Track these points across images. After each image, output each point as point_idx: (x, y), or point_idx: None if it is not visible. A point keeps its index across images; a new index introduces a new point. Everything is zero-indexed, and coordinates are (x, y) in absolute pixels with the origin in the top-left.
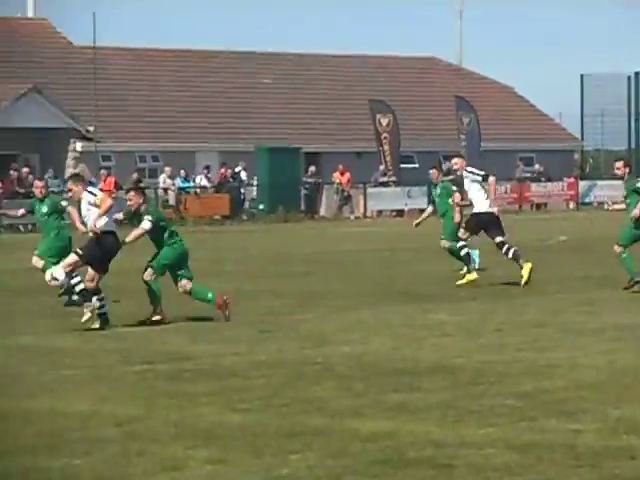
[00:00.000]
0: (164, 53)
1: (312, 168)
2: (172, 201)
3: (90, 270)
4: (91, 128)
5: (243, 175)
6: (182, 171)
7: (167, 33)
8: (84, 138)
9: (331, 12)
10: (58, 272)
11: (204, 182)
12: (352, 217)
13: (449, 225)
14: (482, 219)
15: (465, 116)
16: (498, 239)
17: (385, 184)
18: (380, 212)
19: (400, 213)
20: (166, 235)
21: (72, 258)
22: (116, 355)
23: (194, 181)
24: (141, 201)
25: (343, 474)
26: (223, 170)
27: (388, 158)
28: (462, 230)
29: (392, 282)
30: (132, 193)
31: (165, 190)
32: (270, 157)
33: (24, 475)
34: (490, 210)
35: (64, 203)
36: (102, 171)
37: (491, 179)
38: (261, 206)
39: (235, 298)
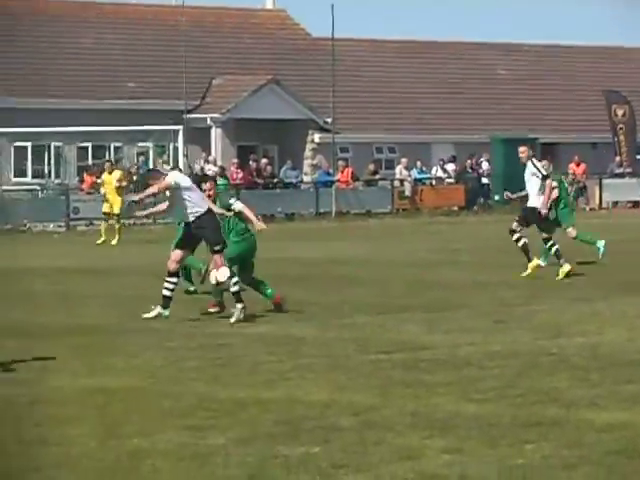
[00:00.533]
0: (402, 44)
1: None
2: (408, 192)
3: (179, 252)
4: (329, 119)
5: (485, 165)
6: (418, 162)
7: (405, 24)
8: (322, 129)
9: (570, 3)
10: (223, 273)
11: (440, 173)
12: (587, 208)
13: None
14: (529, 213)
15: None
16: (544, 235)
17: (620, 175)
18: (615, 203)
19: (636, 204)
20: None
21: (219, 255)
22: (353, 344)
23: (430, 172)
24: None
25: (578, 464)
26: (469, 161)
27: (624, 149)
28: (515, 222)
29: (627, 273)
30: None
31: (401, 181)
32: (505, 148)
33: (262, 461)
34: (535, 206)
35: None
36: (340, 162)
37: (547, 182)
38: (496, 197)
39: (470, 288)
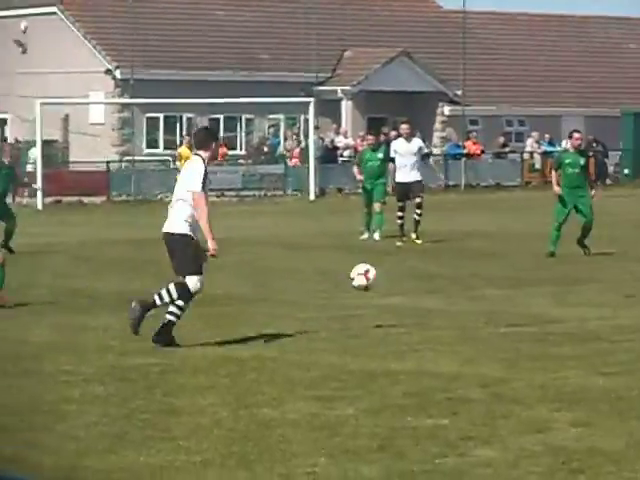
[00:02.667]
0: (532, 18)
1: None
2: (538, 165)
3: None
4: (459, 92)
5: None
6: (547, 135)
7: None
8: (452, 102)
9: None
10: None
11: (569, 146)
12: None
13: None
14: None
15: None
16: None
17: None
18: None
19: None
20: None
21: None
22: (482, 317)
23: (560, 145)
24: None
25: None
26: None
27: None
28: None
29: None
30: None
31: (531, 154)
32: (635, 122)
33: (391, 432)
34: None
35: None
36: (471, 134)
37: None
38: (626, 171)
39: (600, 262)
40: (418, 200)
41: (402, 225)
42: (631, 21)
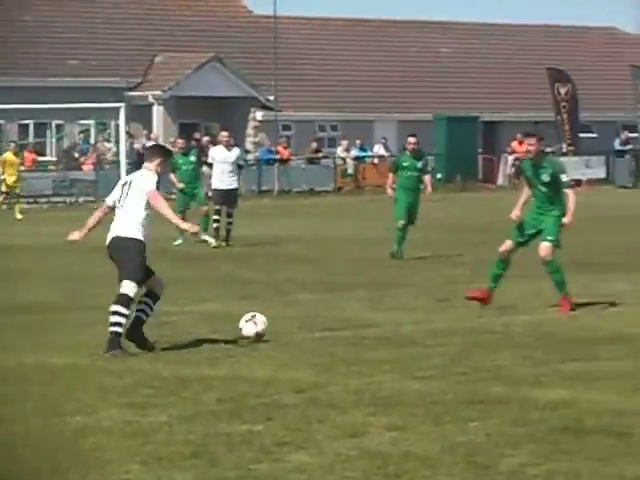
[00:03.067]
0: (343, 23)
1: None
2: (351, 170)
3: None
4: (271, 97)
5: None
6: (357, 141)
7: (347, 3)
8: (264, 107)
9: None
10: None
11: (382, 151)
12: None
13: None
14: None
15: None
16: None
17: (563, 153)
18: None
19: (578, 183)
20: None
21: None
22: (296, 322)
23: (372, 150)
24: None
25: (521, 442)
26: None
27: (566, 127)
28: None
29: (568, 252)
30: None
31: (344, 160)
32: (448, 126)
33: (205, 439)
34: None
35: None
36: (281, 139)
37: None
38: (439, 175)
39: (414, 266)
40: (231, 210)
41: (217, 229)
42: (444, 25)
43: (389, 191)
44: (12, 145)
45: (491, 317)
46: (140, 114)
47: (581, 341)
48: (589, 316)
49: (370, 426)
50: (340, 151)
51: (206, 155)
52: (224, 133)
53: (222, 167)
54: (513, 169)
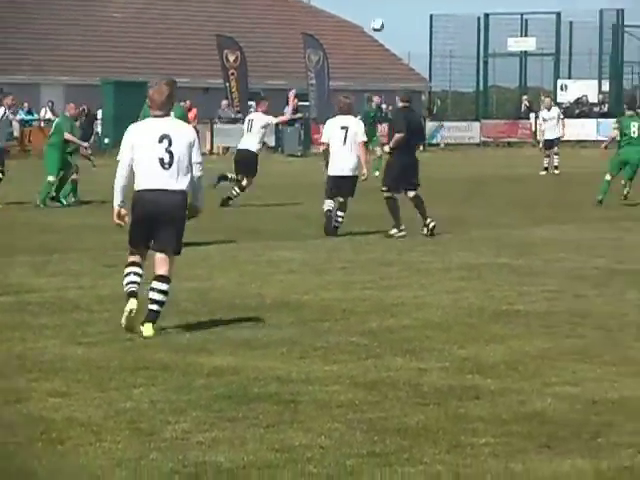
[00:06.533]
0: None
1: None
2: (17, 133)
3: None
4: None
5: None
6: (25, 104)
7: None
8: None
9: None
10: None
11: (49, 115)
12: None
13: None
14: None
15: (314, 54)
16: None
17: (233, 121)
18: (227, 149)
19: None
20: None
21: None
22: None
23: (38, 114)
24: None
25: (186, 408)
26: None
27: (235, 94)
28: None
29: (240, 220)
30: None
31: (10, 122)
32: (115, 91)
33: None
34: None
35: None
36: None
37: None
38: (106, 140)
39: (81, 232)
40: None
41: None
42: None
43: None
44: None
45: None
46: None
47: (248, 308)
48: (255, 283)
49: (33, 392)
50: (2, 111)
51: None
52: None
53: None
54: None
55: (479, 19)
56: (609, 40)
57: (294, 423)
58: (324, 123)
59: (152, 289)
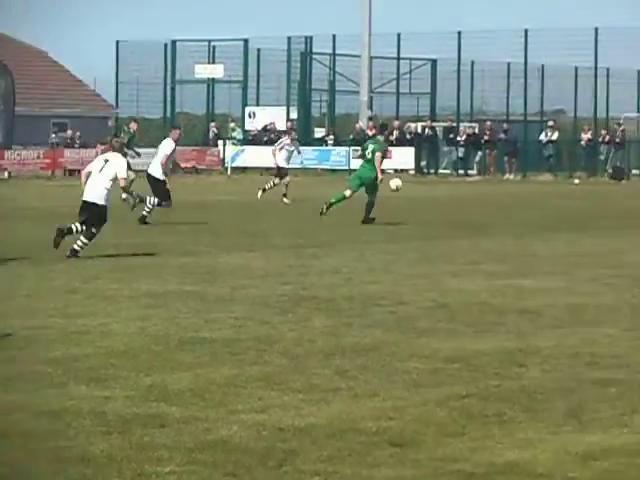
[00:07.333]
0: None
1: None
2: None
3: None
4: None
5: None
6: None
7: None
8: None
9: None
10: None
11: None
12: None
13: None
14: None
15: (1, 79)
16: None
17: None
18: None
19: None
20: None
21: None
22: None
23: None
24: None
25: None
26: None
27: None
28: None
29: None
30: None
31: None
32: None
33: None
34: None
35: None
36: None
37: None
38: None
39: None
40: None
41: None
42: None
43: None
44: None
45: None
46: None
47: None
48: None
49: None
50: None
51: None
52: None
53: None
54: None
55: (166, 45)
56: (297, 67)
57: None
58: (10, 149)
59: None
